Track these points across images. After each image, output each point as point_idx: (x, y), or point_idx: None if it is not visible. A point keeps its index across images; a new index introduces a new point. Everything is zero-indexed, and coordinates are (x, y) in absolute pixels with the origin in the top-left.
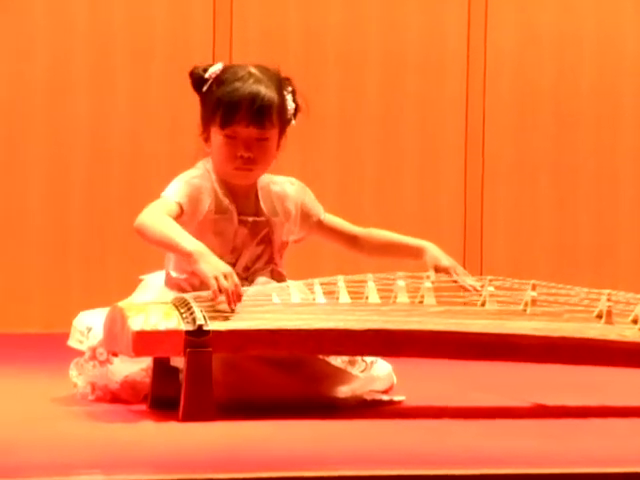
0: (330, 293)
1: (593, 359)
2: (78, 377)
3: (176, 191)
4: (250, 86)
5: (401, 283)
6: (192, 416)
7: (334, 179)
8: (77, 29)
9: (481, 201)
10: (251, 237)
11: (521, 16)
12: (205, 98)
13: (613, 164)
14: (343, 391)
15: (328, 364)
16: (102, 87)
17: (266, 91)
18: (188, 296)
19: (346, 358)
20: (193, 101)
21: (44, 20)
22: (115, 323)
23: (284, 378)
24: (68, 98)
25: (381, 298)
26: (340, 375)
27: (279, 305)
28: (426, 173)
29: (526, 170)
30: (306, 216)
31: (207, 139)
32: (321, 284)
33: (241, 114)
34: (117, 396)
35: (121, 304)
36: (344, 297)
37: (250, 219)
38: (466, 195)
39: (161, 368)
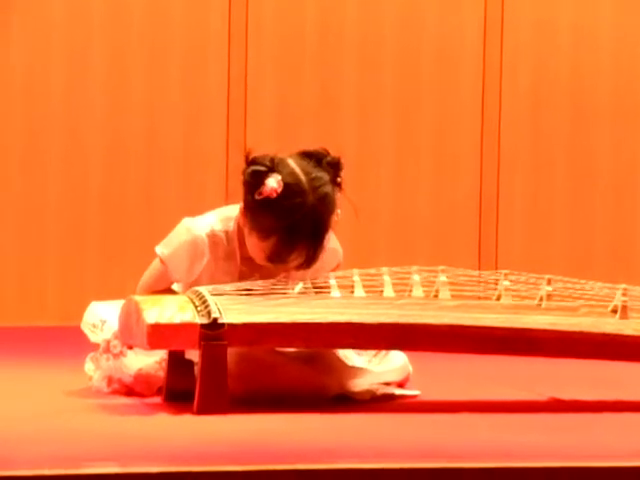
0: (345, 287)
1: (608, 354)
2: (95, 371)
3: (172, 259)
4: (310, 227)
5: (416, 277)
6: (207, 409)
7: (349, 172)
8: (94, 26)
9: (497, 195)
10: (266, 278)
11: (538, 9)
12: (255, 207)
13: (629, 158)
14: (358, 384)
15: (342, 359)
16: (119, 80)
17: (325, 228)
18: (203, 289)
19: None
20: (209, 98)
21: (61, 17)
22: (130, 316)
23: (298, 371)
24: (86, 92)
25: (396, 292)
26: (354, 368)
27: (294, 299)
28: (442, 168)
29: (542, 164)
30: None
31: (244, 216)
32: (336, 278)
33: (294, 255)
34: (131, 389)
35: (136, 297)
36: (359, 291)
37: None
38: (482, 189)
39: (176, 361)
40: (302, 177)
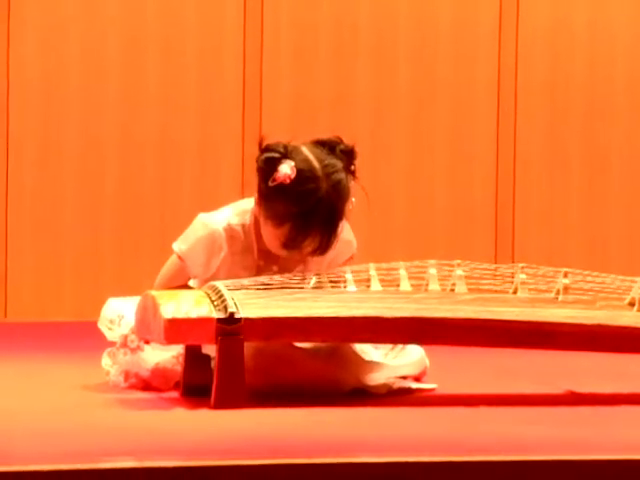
0: (361, 281)
1: (626, 347)
2: (112, 366)
3: (190, 255)
4: (324, 213)
5: (432, 271)
6: (224, 403)
7: (364, 165)
8: (109, 19)
9: (513, 188)
10: (284, 272)
11: (553, 6)
12: (269, 194)
13: None
14: (374, 378)
15: (359, 353)
16: (134, 74)
17: (338, 215)
18: (219, 284)
19: None
20: (225, 92)
21: (77, 11)
22: (147, 311)
23: (315, 365)
24: (101, 87)
25: (412, 286)
26: (371, 363)
27: (310, 293)
28: (458, 161)
29: (558, 157)
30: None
31: (259, 204)
32: (352, 272)
33: (308, 241)
34: (148, 384)
35: (153, 292)
36: (375, 285)
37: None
38: (498, 182)
39: (193, 356)
40: (315, 164)
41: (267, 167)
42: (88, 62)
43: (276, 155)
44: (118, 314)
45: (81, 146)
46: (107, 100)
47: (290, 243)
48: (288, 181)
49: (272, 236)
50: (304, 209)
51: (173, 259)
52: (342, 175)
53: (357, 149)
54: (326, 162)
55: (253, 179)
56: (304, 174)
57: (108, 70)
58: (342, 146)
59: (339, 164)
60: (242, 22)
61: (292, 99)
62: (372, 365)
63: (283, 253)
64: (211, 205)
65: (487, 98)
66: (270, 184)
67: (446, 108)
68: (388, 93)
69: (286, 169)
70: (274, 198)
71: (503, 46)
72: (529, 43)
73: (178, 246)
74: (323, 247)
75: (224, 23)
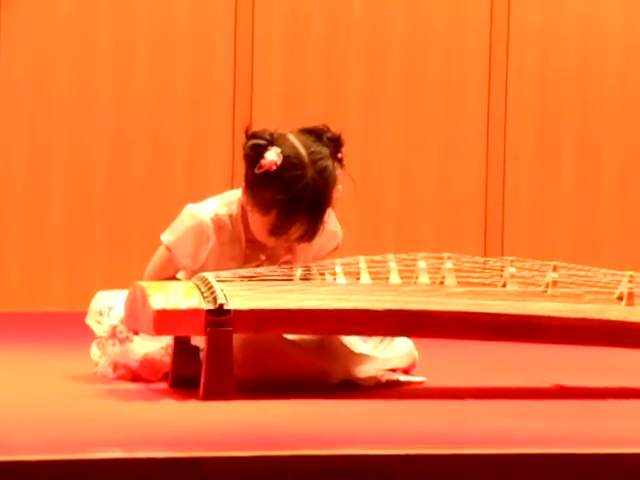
0: (351, 273)
1: (614, 341)
2: (100, 357)
3: (178, 245)
4: (310, 200)
5: (422, 264)
6: (212, 395)
7: (355, 158)
8: (101, 11)
9: (503, 184)
10: (271, 261)
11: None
12: (255, 181)
13: (636, 147)
14: (363, 371)
15: (348, 345)
16: (125, 67)
17: (324, 201)
18: (209, 275)
19: None
20: (215, 85)
21: (68, 4)
22: (136, 302)
23: (304, 357)
24: (92, 79)
25: (402, 279)
26: (360, 355)
27: (300, 285)
28: (448, 154)
29: (548, 151)
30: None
31: (246, 192)
32: (342, 264)
33: (294, 228)
34: (137, 375)
35: (142, 283)
36: (365, 277)
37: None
38: (488, 175)
39: (182, 347)
40: (302, 150)
41: (253, 154)
42: (78, 56)
43: (262, 142)
44: (107, 305)
45: (71, 138)
46: (98, 93)
47: (277, 230)
48: (274, 167)
49: (259, 224)
50: (290, 195)
51: (161, 250)
52: (329, 162)
53: (348, 142)
54: (312, 149)
55: (243, 171)
56: (290, 160)
57: (99, 63)
58: (329, 134)
59: (326, 151)
60: (233, 14)
61: (283, 92)
62: (361, 357)
63: (270, 242)
64: (201, 197)
65: (478, 92)
66: (257, 171)
67: (437, 102)
68: (379, 87)
69: (272, 156)
70: (260, 185)
71: (494, 42)
72: (520, 38)
73: (166, 237)
74: (310, 234)
75: (215, 15)
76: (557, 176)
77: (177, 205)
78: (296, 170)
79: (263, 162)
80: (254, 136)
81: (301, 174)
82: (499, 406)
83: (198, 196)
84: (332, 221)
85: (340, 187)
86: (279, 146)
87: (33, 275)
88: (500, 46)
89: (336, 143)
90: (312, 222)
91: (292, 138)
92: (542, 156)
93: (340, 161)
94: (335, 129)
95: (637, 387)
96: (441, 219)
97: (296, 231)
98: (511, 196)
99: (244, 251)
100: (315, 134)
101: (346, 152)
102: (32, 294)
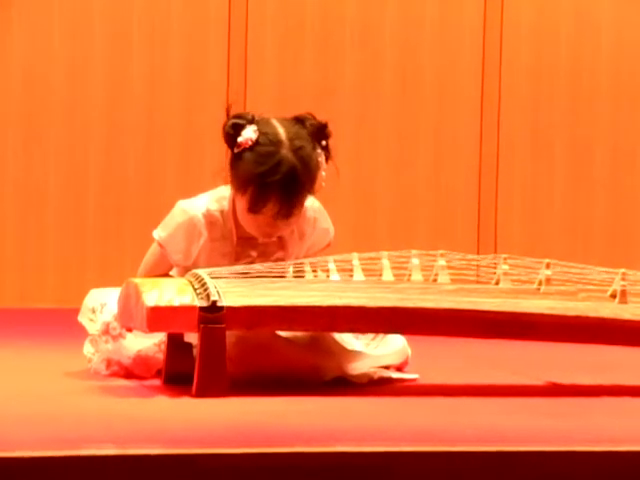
0: (344, 270)
1: (607, 338)
2: (94, 353)
3: (170, 241)
4: (283, 175)
5: (415, 261)
6: (206, 392)
7: (349, 157)
8: (95, 6)
9: (496, 181)
10: (263, 258)
11: None
12: (234, 161)
13: (628, 142)
14: (356, 368)
15: (341, 342)
16: (119, 64)
17: (299, 180)
18: (202, 272)
19: None
20: (209, 82)
21: (62, 4)
22: (129, 299)
23: (297, 354)
24: (86, 75)
25: (395, 276)
26: (353, 352)
27: (293, 282)
28: (441, 152)
29: (541, 149)
30: (313, 245)
31: (230, 181)
32: (335, 261)
33: (270, 204)
34: (130, 371)
35: (135, 280)
36: (358, 275)
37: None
38: (481, 173)
39: (175, 344)
40: (280, 129)
41: (233, 132)
42: (73, 49)
43: (242, 122)
44: (100, 302)
45: (65, 133)
46: (92, 87)
47: (253, 207)
48: (250, 143)
49: (241, 207)
50: (263, 169)
51: (154, 247)
52: (306, 143)
53: (341, 138)
54: (292, 131)
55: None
56: (267, 137)
57: (93, 57)
58: (312, 120)
59: (305, 134)
60: (227, 10)
61: (277, 87)
62: (354, 354)
63: (258, 233)
64: (195, 193)
65: (471, 89)
66: (235, 150)
67: (430, 99)
68: (373, 84)
69: (249, 133)
70: (239, 164)
71: (487, 37)
72: (513, 34)
73: (158, 233)
74: (284, 212)
75: (209, 11)
76: (550, 172)
77: (171, 201)
78: (270, 146)
79: (239, 140)
80: (235, 116)
81: (275, 150)
82: (492, 403)
83: (191, 192)
84: (323, 219)
85: (324, 173)
86: (257, 124)
87: (26, 272)
88: (493, 42)
89: (319, 130)
90: (286, 200)
91: (274, 121)
92: (535, 152)
93: (326, 149)
94: (326, 122)
95: (630, 384)
96: (434, 216)
97: (272, 208)
98: (504, 193)
99: (235, 248)
100: (298, 120)
101: (339, 147)
102: (25, 291)
